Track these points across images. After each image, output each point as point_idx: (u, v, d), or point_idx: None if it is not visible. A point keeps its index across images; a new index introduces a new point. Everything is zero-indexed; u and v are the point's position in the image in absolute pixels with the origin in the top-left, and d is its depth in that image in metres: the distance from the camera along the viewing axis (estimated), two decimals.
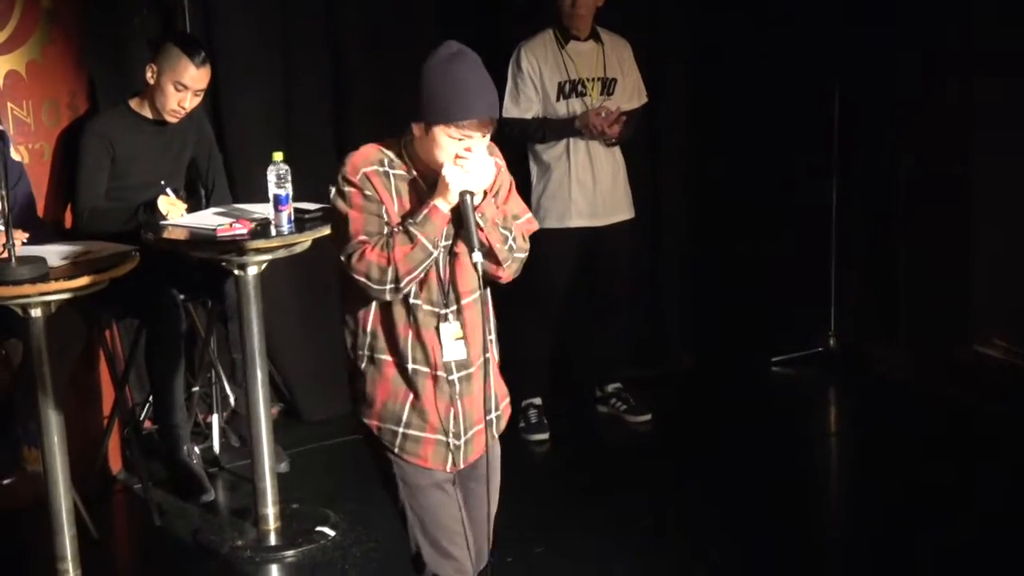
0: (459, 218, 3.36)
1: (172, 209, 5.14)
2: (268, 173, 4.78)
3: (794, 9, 6.63)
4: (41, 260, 4.40)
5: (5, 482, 5.18)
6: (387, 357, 3.45)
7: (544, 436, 6.09)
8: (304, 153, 5.84)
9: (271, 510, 5.10)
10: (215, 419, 5.91)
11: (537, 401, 6.17)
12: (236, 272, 4.92)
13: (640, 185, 6.24)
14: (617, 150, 6.01)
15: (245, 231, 4.84)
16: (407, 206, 3.38)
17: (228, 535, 5.19)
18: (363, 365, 3.48)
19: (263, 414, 5.05)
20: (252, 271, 4.91)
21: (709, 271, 7.00)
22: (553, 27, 5.91)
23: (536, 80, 5.87)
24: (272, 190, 4.78)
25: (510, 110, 5.85)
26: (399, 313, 3.42)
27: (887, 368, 6.72)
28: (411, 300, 3.40)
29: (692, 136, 6.78)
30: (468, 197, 3.33)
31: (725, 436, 6.04)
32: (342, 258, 3.33)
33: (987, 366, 6.63)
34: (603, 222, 5.98)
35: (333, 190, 3.39)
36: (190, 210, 5.31)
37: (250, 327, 4.98)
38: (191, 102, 5.29)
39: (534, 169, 5.98)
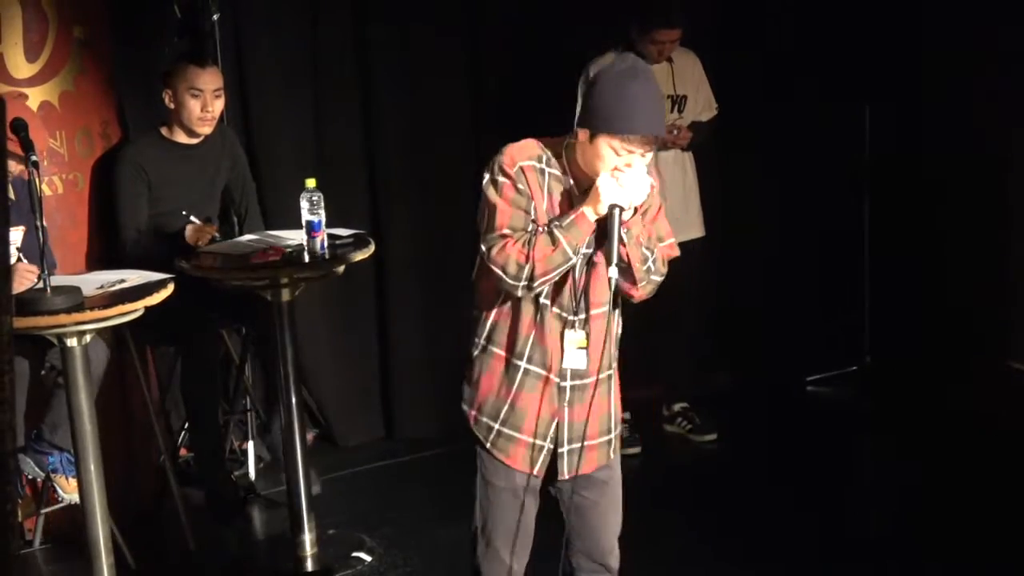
0: (604, 229, 3.36)
1: (201, 235, 5.16)
2: (301, 200, 4.79)
3: (825, 27, 6.61)
4: (76, 289, 4.42)
5: (43, 512, 5.19)
6: (499, 351, 3.50)
7: (636, 450, 6.07)
8: (336, 179, 5.87)
9: (307, 536, 5.10)
10: (251, 446, 5.91)
11: (626, 416, 6.16)
12: (269, 298, 4.93)
13: None
14: (690, 167, 6.04)
15: (278, 258, 4.85)
16: (556, 206, 3.40)
17: (265, 562, 5.20)
18: (476, 352, 3.54)
19: (298, 440, 5.05)
20: (285, 297, 4.92)
21: (742, 291, 6.98)
22: (622, 48, 5.89)
23: None
24: (305, 216, 4.80)
25: None
26: (527, 310, 3.44)
27: (922, 386, 6.68)
28: (542, 300, 3.43)
29: (723, 153, 6.76)
30: (617, 211, 3.33)
31: (761, 456, 6.02)
32: (483, 246, 3.37)
33: (1022, 383, 6.60)
34: None
35: (486, 176, 3.41)
36: (223, 237, 5.33)
37: (284, 353, 4.99)
38: (213, 105, 5.34)
39: None
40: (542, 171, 3.39)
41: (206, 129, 5.37)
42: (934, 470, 5.74)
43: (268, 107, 6.00)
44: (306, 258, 4.83)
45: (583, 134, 3.36)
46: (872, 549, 5.17)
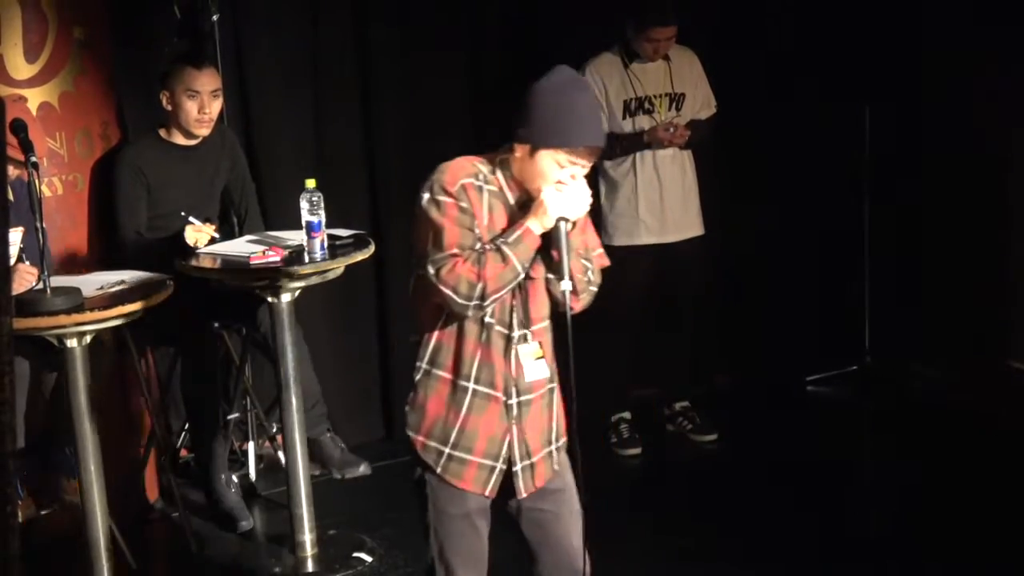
0: (545, 243, 3.35)
1: (200, 236, 5.16)
2: (301, 200, 4.80)
3: (825, 27, 6.61)
4: (76, 290, 4.43)
5: (43, 513, 5.19)
6: (445, 374, 3.44)
7: (637, 451, 6.11)
8: (336, 179, 5.87)
9: (308, 536, 5.11)
10: (251, 446, 5.92)
11: (627, 416, 6.19)
12: (270, 299, 4.94)
13: None
14: (688, 165, 6.04)
15: (278, 258, 4.85)
16: (496, 222, 3.37)
17: (265, 562, 5.20)
18: (418, 376, 3.47)
19: (298, 441, 5.06)
20: (286, 298, 4.92)
21: (742, 291, 6.98)
22: (619, 47, 5.91)
23: (602, 98, 5.85)
24: (305, 217, 4.81)
25: None
26: (471, 331, 3.40)
27: (922, 386, 6.68)
28: (486, 319, 3.38)
29: (723, 152, 6.75)
30: (563, 224, 3.31)
31: (761, 456, 6.02)
32: (430, 267, 3.30)
33: (1022, 383, 6.59)
34: (673, 239, 5.99)
35: (426, 196, 3.35)
36: (223, 237, 5.34)
37: (284, 354, 5.00)
38: (211, 106, 5.34)
39: (602, 186, 5.98)
40: (480, 188, 3.35)
41: (204, 131, 5.37)
42: (934, 470, 5.74)
43: (268, 107, 6.00)
44: (306, 259, 4.84)
45: (521, 149, 3.33)
46: (872, 549, 5.18)
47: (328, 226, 4.89)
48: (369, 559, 5.13)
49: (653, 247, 5.96)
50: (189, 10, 5.80)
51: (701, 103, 6.06)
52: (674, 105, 5.96)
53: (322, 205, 4.80)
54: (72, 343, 4.45)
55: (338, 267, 4.94)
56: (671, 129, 5.84)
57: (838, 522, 5.33)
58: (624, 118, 5.89)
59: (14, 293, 4.40)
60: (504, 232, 3.34)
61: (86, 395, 4.54)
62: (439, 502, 3.51)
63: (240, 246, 5.12)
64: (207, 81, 5.32)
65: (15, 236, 4.67)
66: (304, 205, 4.80)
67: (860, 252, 6.82)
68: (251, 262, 4.85)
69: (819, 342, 6.90)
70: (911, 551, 5.04)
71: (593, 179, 5.96)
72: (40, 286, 4.40)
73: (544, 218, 3.30)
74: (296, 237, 5.01)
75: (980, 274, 6.69)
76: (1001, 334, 6.73)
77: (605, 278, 6.06)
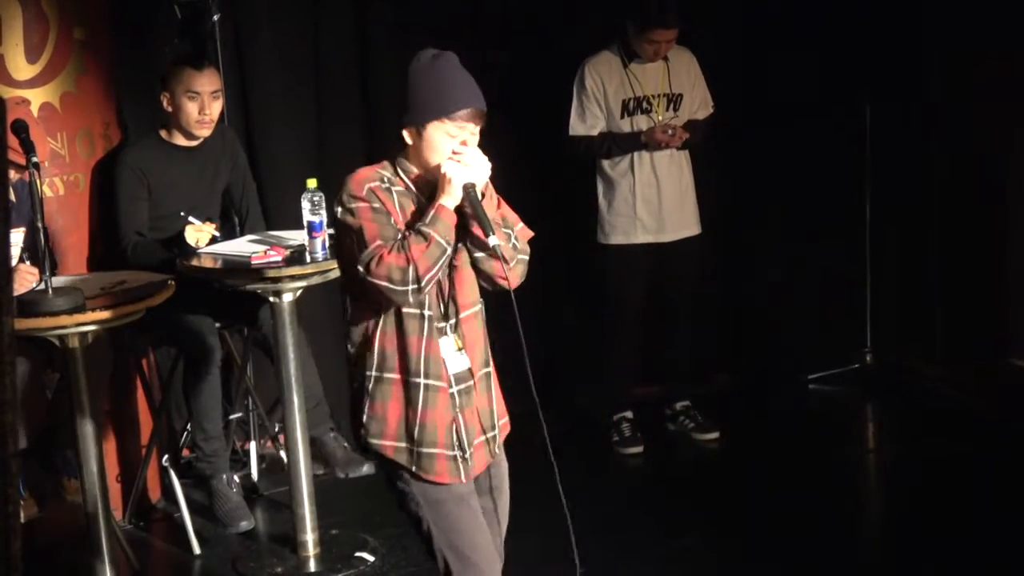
0: (463, 223, 3.41)
1: (200, 235, 5.17)
2: (302, 200, 4.81)
3: (823, 24, 6.61)
4: (77, 291, 4.43)
5: (44, 513, 5.20)
6: (395, 375, 3.46)
7: (639, 449, 6.11)
8: (337, 180, 5.84)
9: (310, 536, 5.10)
10: (253, 446, 5.92)
11: (629, 415, 6.20)
12: (271, 299, 4.94)
13: None
14: (686, 165, 6.04)
15: (280, 258, 4.86)
16: (410, 219, 3.41)
17: (267, 562, 5.20)
18: (370, 386, 3.48)
19: (301, 440, 5.06)
20: (287, 298, 4.92)
21: (743, 290, 6.98)
22: (618, 45, 5.92)
23: (600, 97, 5.88)
24: (306, 217, 4.81)
25: (576, 128, 5.89)
26: (412, 326, 3.43)
27: (925, 384, 6.68)
28: (424, 312, 3.42)
29: (724, 151, 6.76)
30: (472, 189, 3.37)
31: (762, 455, 6.03)
32: (359, 268, 3.33)
33: (1023, 382, 6.60)
34: (669, 238, 6.00)
35: (339, 210, 3.41)
36: (224, 237, 5.34)
37: (286, 353, 5.00)
38: (212, 107, 5.34)
39: (600, 185, 6.01)
40: (388, 190, 3.40)
41: (204, 132, 5.37)
42: (934, 470, 5.74)
43: (268, 107, 6.00)
44: (307, 258, 4.84)
45: (410, 134, 3.41)
46: (872, 549, 5.18)
47: (330, 226, 4.89)
48: (371, 559, 5.13)
49: (650, 246, 5.97)
50: (190, 10, 5.80)
51: (699, 103, 6.06)
52: (672, 105, 5.96)
53: (323, 205, 4.80)
54: (74, 343, 4.45)
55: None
56: (669, 131, 5.84)
57: (838, 522, 5.33)
58: (622, 117, 5.89)
59: (15, 293, 4.40)
60: (419, 218, 3.39)
61: (87, 395, 4.54)
62: (430, 495, 3.52)
63: (241, 246, 5.12)
64: (207, 82, 5.32)
65: (16, 236, 4.68)
66: (305, 205, 4.81)
67: (861, 252, 6.82)
68: (252, 262, 4.85)
69: (820, 341, 6.90)
70: (911, 551, 5.05)
71: (591, 178, 6.02)
72: (41, 286, 4.40)
73: (451, 188, 3.36)
74: (297, 237, 5.02)
75: (981, 273, 6.69)
76: (1002, 332, 6.74)
77: (604, 279, 6.08)
